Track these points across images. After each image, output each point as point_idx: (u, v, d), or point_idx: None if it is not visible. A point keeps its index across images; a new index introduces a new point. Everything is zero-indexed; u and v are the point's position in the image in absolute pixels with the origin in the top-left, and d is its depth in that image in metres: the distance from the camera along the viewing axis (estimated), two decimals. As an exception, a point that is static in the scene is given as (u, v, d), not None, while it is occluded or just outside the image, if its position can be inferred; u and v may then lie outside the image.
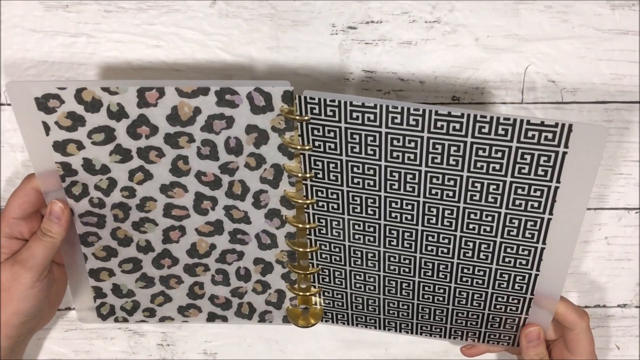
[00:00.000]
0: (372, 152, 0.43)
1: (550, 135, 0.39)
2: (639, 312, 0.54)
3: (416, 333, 0.51)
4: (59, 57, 0.50)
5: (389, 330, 0.51)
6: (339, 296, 0.51)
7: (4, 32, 0.50)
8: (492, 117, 0.39)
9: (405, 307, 0.50)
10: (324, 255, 0.49)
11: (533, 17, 0.50)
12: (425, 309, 0.49)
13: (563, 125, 0.38)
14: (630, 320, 0.54)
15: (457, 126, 0.40)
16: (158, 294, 0.51)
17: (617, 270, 0.53)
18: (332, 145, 0.43)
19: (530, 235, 0.43)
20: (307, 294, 0.51)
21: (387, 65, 0.50)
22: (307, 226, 0.47)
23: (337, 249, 0.48)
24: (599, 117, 0.51)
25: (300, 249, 0.48)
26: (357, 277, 0.49)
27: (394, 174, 0.43)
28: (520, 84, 0.51)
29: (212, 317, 0.52)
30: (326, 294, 0.51)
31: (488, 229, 0.44)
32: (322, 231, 0.47)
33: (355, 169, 0.44)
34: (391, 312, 0.51)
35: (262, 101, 0.43)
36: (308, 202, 0.46)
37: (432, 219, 0.45)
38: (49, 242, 0.45)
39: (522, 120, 0.39)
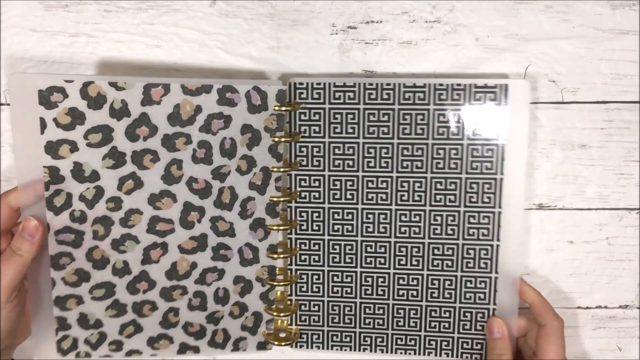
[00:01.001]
0: (351, 130, 0.48)
1: (493, 95, 0.46)
2: (641, 313, 0.54)
3: (391, 351, 0.51)
4: (58, 56, 0.50)
5: (364, 349, 0.51)
6: (315, 308, 0.51)
7: (4, 32, 0.50)
8: (448, 85, 0.46)
9: (381, 311, 0.51)
10: (302, 257, 0.50)
11: (533, 17, 0.50)
12: (400, 310, 0.50)
13: (501, 85, 0.46)
14: (631, 321, 0.54)
15: (421, 95, 0.47)
16: (128, 324, 0.48)
17: (618, 270, 0.53)
18: (317, 129, 0.48)
19: (488, 200, 0.48)
20: (284, 314, 0.50)
21: (387, 65, 0.50)
22: (288, 227, 0.49)
23: (317, 246, 0.50)
24: (600, 117, 0.51)
25: (282, 255, 0.49)
26: (335, 278, 0.50)
27: (370, 150, 0.48)
28: (520, 84, 0.50)
29: (183, 349, 0.50)
30: (303, 307, 0.51)
31: (452, 198, 0.48)
32: (302, 227, 0.49)
33: (336, 150, 0.48)
34: (367, 320, 0.51)
35: (259, 100, 0.45)
36: (289, 198, 0.48)
37: (404, 195, 0.48)
38: (18, 261, 0.43)
39: (471, 85, 0.46)
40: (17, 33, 0.50)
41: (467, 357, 0.51)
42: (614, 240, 0.53)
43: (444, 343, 0.51)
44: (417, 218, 0.49)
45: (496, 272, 0.49)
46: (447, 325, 0.50)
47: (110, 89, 0.43)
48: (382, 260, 0.50)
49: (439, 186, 0.48)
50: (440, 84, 0.46)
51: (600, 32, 0.50)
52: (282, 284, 0.50)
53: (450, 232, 0.49)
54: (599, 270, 0.53)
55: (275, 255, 0.49)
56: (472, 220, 0.48)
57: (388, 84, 0.47)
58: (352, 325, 0.51)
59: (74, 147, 0.44)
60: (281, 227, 0.49)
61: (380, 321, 0.51)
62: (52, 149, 0.43)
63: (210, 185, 0.46)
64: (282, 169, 0.48)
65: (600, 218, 0.52)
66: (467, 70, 0.50)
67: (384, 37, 0.50)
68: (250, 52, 0.50)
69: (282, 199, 0.48)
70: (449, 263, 0.49)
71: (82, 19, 0.50)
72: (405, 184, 0.48)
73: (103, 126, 0.43)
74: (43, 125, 0.43)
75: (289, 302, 0.51)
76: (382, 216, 0.49)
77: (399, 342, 0.51)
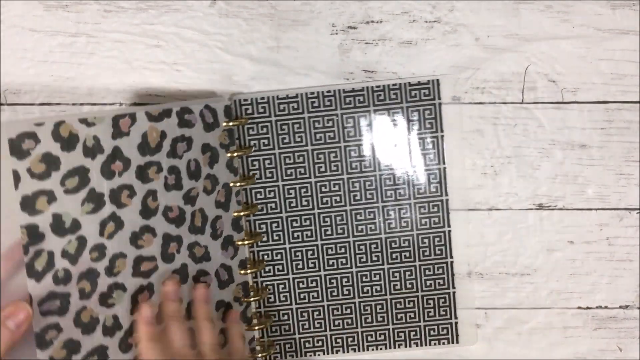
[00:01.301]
0: (299, 139, 0.50)
1: (427, 91, 0.49)
2: (641, 313, 0.54)
3: (363, 349, 0.52)
4: (58, 57, 0.50)
5: (336, 351, 0.52)
6: (285, 317, 0.52)
7: (4, 32, 0.50)
8: (384, 85, 0.49)
9: (348, 310, 0.51)
10: (267, 269, 0.51)
11: (533, 17, 0.50)
12: (366, 307, 0.52)
13: (433, 80, 0.49)
14: (632, 321, 0.54)
15: (361, 98, 0.49)
16: None
17: (618, 271, 0.53)
18: (266, 141, 0.50)
19: (435, 190, 0.51)
20: (257, 328, 0.51)
21: (387, 65, 0.50)
22: (251, 241, 0.50)
23: (279, 256, 0.51)
24: (600, 117, 0.51)
25: (250, 270, 0.50)
26: (301, 285, 0.51)
27: (319, 156, 0.50)
28: (520, 84, 0.50)
29: None
30: (274, 319, 0.52)
31: (402, 191, 0.50)
32: (264, 239, 0.51)
33: (287, 160, 0.50)
34: (336, 322, 0.52)
35: (211, 118, 0.47)
36: (247, 212, 0.50)
37: (356, 195, 0.50)
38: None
39: (405, 84, 0.49)
40: (17, 33, 0.50)
41: (435, 344, 0.52)
42: (615, 240, 0.52)
43: (412, 333, 0.52)
44: (372, 215, 0.51)
45: (451, 257, 0.51)
46: (412, 315, 0.51)
47: (81, 127, 0.41)
48: (344, 261, 0.51)
49: (388, 182, 0.50)
50: (378, 86, 0.49)
51: (600, 32, 0.50)
52: (254, 299, 0.50)
53: (404, 224, 0.51)
54: (599, 271, 0.53)
55: (244, 271, 0.50)
56: (422, 210, 0.50)
57: (329, 91, 0.49)
58: (323, 328, 0.52)
59: (51, 197, 0.40)
60: (246, 242, 0.50)
61: (349, 320, 0.52)
62: (28, 204, 0.40)
63: (184, 211, 0.47)
64: (239, 183, 0.49)
65: (601, 218, 0.52)
66: (467, 70, 0.50)
67: (384, 37, 0.50)
68: (250, 52, 0.50)
69: (242, 214, 0.49)
70: (407, 254, 0.51)
71: (82, 19, 0.50)
72: (356, 184, 0.50)
73: (79, 168, 0.41)
74: (17, 178, 0.39)
75: (259, 315, 0.52)
76: (338, 218, 0.51)
77: (369, 339, 0.52)
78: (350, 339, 0.52)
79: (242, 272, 0.50)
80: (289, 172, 0.50)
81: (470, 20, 0.50)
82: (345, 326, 0.52)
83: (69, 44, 0.50)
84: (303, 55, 0.50)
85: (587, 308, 0.54)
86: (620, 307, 0.54)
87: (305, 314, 0.52)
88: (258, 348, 0.52)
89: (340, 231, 0.51)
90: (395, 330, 0.52)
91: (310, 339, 0.52)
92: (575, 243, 0.52)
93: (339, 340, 0.52)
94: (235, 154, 0.49)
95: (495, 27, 0.50)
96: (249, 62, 0.50)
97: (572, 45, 0.50)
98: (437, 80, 0.49)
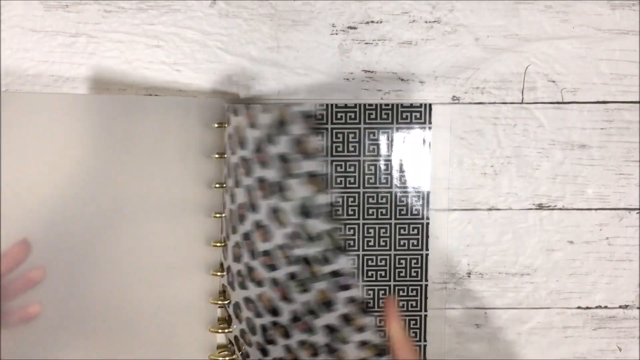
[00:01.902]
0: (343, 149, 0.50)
1: (418, 115, 0.50)
2: (641, 313, 0.54)
3: None
4: (59, 57, 0.50)
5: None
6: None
7: (4, 32, 0.50)
8: (376, 105, 0.49)
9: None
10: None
11: (533, 17, 0.50)
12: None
13: (425, 105, 0.50)
14: (632, 321, 0.54)
15: (352, 115, 0.49)
16: None
17: (618, 271, 0.53)
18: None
19: (416, 212, 0.51)
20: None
21: (387, 65, 0.50)
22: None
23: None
24: (600, 117, 0.51)
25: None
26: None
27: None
28: (520, 84, 0.51)
29: None
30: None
31: (384, 211, 0.51)
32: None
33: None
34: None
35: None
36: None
37: (338, 210, 0.50)
38: None
39: (397, 105, 0.49)
40: (17, 33, 0.50)
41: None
42: (614, 240, 0.53)
43: None
44: (352, 231, 0.50)
45: (426, 280, 0.52)
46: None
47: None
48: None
49: (371, 200, 0.50)
50: (370, 105, 0.49)
51: (600, 32, 0.50)
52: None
53: (382, 243, 0.51)
54: (599, 271, 0.53)
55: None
56: (402, 231, 0.51)
57: (321, 105, 0.50)
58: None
59: None
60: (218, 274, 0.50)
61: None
62: None
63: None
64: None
65: (601, 218, 0.52)
66: (467, 70, 0.50)
67: (384, 37, 0.50)
68: (250, 52, 0.50)
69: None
70: (382, 273, 0.51)
71: (82, 19, 0.50)
72: (339, 199, 0.50)
73: None
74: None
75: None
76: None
77: None
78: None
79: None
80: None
81: (470, 20, 0.50)
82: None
83: (69, 44, 0.50)
84: (303, 55, 0.50)
85: (587, 308, 0.54)
86: (620, 307, 0.54)
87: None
88: None
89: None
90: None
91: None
92: (575, 243, 0.52)
93: None
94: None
95: (495, 27, 0.50)
96: (249, 62, 0.50)
97: (572, 46, 0.50)
98: (430, 105, 0.49)
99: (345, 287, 0.43)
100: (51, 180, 0.45)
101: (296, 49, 0.50)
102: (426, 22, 0.50)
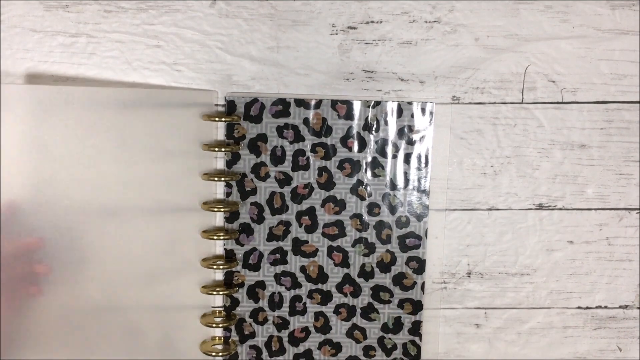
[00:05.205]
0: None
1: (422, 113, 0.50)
2: (641, 313, 0.54)
3: None
4: (59, 57, 0.50)
5: None
6: None
7: (4, 32, 0.50)
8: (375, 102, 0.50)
9: None
10: None
11: (533, 17, 0.50)
12: None
13: (426, 103, 0.50)
14: (631, 321, 0.54)
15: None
16: None
17: (618, 271, 0.53)
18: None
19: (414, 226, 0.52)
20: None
21: (387, 65, 0.50)
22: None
23: None
24: (599, 117, 0.51)
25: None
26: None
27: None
28: (520, 84, 0.51)
29: None
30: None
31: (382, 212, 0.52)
32: None
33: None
34: None
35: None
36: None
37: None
38: None
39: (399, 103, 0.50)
40: (17, 33, 0.50)
41: None
42: (614, 240, 0.53)
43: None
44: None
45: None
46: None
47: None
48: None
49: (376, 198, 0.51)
50: (367, 100, 0.50)
51: (600, 32, 0.50)
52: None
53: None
54: (599, 271, 0.53)
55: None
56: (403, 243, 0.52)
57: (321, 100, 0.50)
58: None
59: None
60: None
61: None
62: None
63: None
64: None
65: (600, 218, 0.52)
66: (467, 70, 0.50)
67: (384, 37, 0.50)
68: (250, 52, 0.50)
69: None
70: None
71: (82, 19, 0.50)
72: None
73: None
74: None
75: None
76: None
77: None
78: None
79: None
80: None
81: (470, 20, 0.50)
82: None
83: (69, 44, 0.50)
84: (303, 55, 0.50)
85: (587, 308, 0.54)
86: (620, 307, 0.54)
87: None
88: None
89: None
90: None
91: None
92: (574, 243, 0.52)
93: None
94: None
95: (495, 27, 0.50)
96: (249, 62, 0.50)
97: (571, 46, 0.50)
98: (433, 104, 0.50)
99: (414, 247, 0.51)
100: (49, 174, 0.46)
101: (296, 49, 0.50)
102: (426, 22, 0.50)
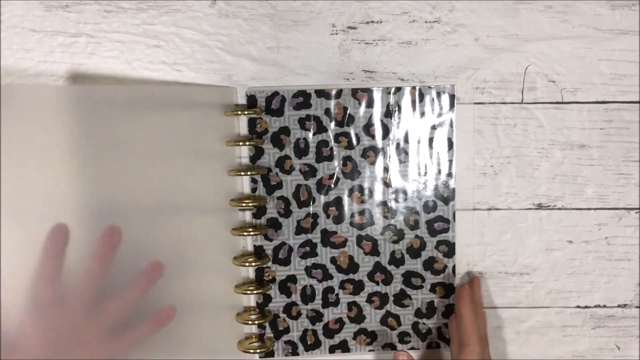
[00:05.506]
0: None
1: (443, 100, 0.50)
2: None
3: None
4: (59, 57, 0.50)
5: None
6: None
7: (4, 32, 0.50)
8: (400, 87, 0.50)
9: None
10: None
11: (533, 17, 0.50)
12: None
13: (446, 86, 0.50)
14: (630, 320, 0.54)
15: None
16: None
17: (617, 270, 0.53)
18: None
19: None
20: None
21: (387, 65, 0.50)
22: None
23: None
24: (599, 117, 0.51)
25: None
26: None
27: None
28: (520, 84, 0.51)
29: None
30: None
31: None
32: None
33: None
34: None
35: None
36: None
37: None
38: None
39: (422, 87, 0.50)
40: (17, 33, 0.50)
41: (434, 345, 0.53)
42: (613, 240, 0.53)
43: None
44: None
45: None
46: (410, 317, 0.53)
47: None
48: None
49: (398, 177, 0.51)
50: (388, 87, 0.50)
51: (600, 32, 0.50)
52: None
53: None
54: (598, 270, 0.53)
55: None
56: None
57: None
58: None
59: None
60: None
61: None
62: None
63: None
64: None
65: (600, 218, 0.52)
66: (467, 70, 0.50)
67: (384, 37, 0.50)
68: (250, 52, 0.50)
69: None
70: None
71: (82, 19, 0.50)
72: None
73: None
74: None
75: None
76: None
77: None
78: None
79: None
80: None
81: (470, 20, 0.50)
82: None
83: (69, 44, 0.50)
84: (303, 55, 0.50)
85: (586, 307, 0.54)
86: (619, 306, 0.54)
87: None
88: None
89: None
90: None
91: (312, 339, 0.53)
92: (574, 242, 0.53)
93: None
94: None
95: (495, 27, 0.50)
96: (249, 62, 0.50)
97: (571, 46, 0.50)
98: (453, 86, 0.50)
99: (442, 231, 0.51)
100: (75, 173, 0.45)
101: (296, 49, 0.50)
102: (426, 22, 0.50)
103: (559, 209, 0.52)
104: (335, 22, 0.50)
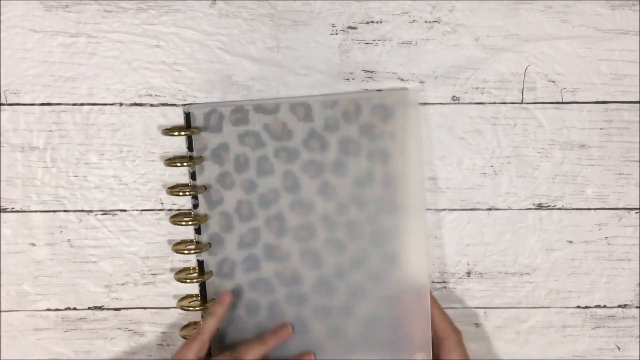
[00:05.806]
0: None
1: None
2: (640, 312, 0.55)
3: None
4: (59, 57, 0.50)
5: None
6: None
7: (4, 32, 0.50)
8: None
9: None
10: None
11: (533, 17, 0.50)
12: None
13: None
14: (630, 320, 0.54)
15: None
16: None
17: (617, 270, 0.53)
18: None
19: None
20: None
21: (387, 65, 0.50)
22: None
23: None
24: (599, 117, 0.51)
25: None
26: None
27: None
28: (520, 84, 0.51)
29: None
30: None
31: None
32: None
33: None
34: None
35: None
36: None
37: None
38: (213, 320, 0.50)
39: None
40: (17, 33, 0.50)
41: None
42: (613, 240, 0.53)
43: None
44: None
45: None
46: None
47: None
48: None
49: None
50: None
51: (600, 32, 0.50)
52: None
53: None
54: (598, 270, 0.53)
55: None
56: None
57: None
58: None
59: None
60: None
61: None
62: None
63: None
64: None
65: (600, 218, 0.52)
66: (467, 70, 0.50)
67: (384, 37, 0.50)
68: (250, 52, 0.50)
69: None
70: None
71: (82, 19, 0.50)
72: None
73: None
74: None
75: None
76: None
77: None
78: None
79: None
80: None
81: (470, 20, 0.50)
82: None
83: (69, 44, 0.50)
84: (303, 55, 0.50)
85: (586, 307, 0.54)
86: (619, 306, 0.54)
87: None
88: None
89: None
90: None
91: None
92: (574, 242, 0.53)
93: None
94: None
95: (495, 27, 0.50)
96: (249, 62, 0.50)
97: (571, 46, 0.50)
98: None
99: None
100: None
101: (296, 49, 0.50)
102: (426, 22, 0.50)
103: (559, 209, 0.52)
104: (335, 22, 0.50)
